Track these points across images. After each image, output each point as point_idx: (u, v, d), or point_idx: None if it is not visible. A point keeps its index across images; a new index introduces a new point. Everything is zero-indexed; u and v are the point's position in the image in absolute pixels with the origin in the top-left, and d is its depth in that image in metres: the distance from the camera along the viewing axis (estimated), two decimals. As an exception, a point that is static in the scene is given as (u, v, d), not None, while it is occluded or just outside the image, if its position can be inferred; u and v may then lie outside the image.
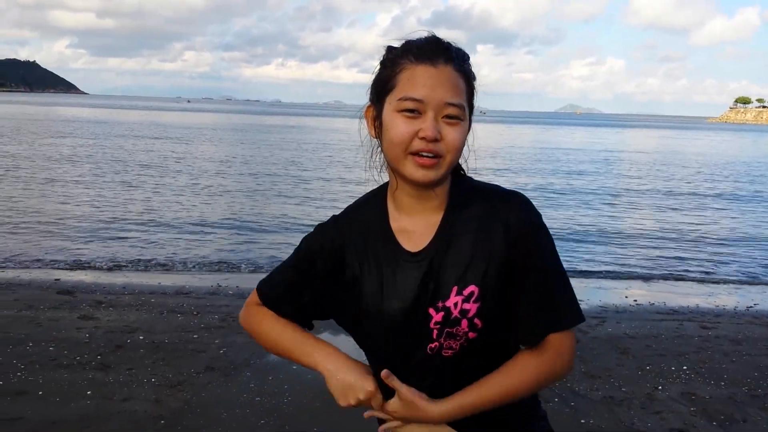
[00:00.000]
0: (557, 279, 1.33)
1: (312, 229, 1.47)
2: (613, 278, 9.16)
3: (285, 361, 4.61)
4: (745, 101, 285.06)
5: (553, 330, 1.32)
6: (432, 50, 1.26)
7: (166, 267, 8.92)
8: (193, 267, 8.97)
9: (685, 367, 5.04)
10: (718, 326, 6.41)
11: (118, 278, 7.88)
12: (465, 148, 1.32)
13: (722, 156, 41.47)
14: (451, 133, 1.25)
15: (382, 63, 1.31)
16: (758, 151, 51.09)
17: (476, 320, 1.29)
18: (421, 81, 1.24)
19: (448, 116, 1.25)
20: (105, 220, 12.05)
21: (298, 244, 1.47)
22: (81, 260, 8.94)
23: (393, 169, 1.32)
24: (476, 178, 1.42)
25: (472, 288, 1.29)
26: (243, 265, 9.19)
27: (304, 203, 15.31)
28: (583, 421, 4.04)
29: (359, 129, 1.38)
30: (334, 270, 1.40)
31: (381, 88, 1.30)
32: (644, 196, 19.20)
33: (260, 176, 20.28)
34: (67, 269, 8.40)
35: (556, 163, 29.98)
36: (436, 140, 1.23)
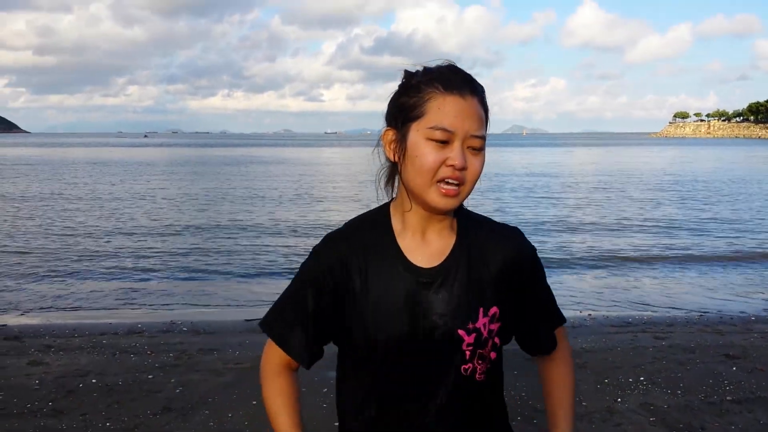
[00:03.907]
0: (551, 293, 1.49)
1: (308, 256, 1.39)
2: (569, 295, 9.29)
3: (244, 398, 4.56)
4: (683, 116, 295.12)
5: (558, 326, 1.49)
6: (460, 81, 1.27)
7: (115, 305, 8.72)
8: (145, 304, 8.77)
9: (642, 378, 5.12)
10: (671, 336, 6.56)
11: (68, 320, 7.64)
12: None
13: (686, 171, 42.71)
14: (474, 163, 1.27)
15: (404, 87, 1.30)
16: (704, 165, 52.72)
17: (496, 339, 1.36)
18: (451, 112, 1.24)
19: (472, 147, 1.27)
20: (51, 263, 11.71)
21: (296, 274, 1.39)
22: (27, 305, 8.65)
23: (413, 194, 1.30)
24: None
25: (494, 309, 1.34)
26: (197, 300, 9.03)
27: (263, 235, 15.15)
28: (546, 438, 4.06)
29: (373, 152, 1.36)
30: (339, 292, 1.34)
31: (405, 113, 1.28)
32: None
33: (212, 210, 20.04)
34: (13, 314, 8.11)
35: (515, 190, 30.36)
36: (463, 169, 1.25)
